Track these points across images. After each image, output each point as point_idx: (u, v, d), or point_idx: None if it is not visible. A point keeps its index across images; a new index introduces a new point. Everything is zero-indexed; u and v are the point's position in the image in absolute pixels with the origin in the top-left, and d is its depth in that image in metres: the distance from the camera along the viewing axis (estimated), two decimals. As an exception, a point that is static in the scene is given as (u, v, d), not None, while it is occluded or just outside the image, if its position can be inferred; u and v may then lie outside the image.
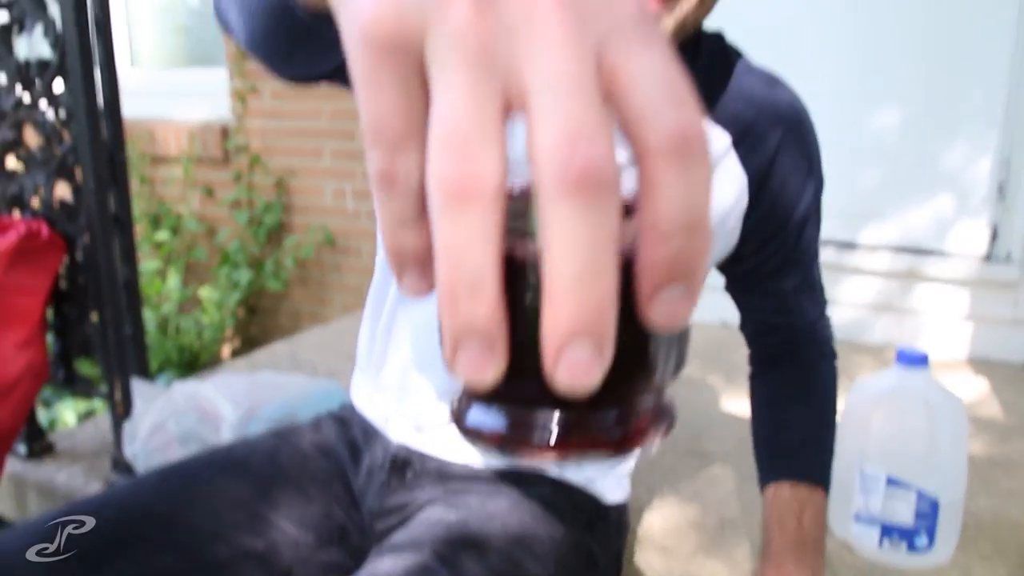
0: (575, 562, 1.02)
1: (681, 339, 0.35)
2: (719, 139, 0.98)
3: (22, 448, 1.80)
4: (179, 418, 1.61)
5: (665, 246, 0.26)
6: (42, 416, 2.11)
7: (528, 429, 0.33)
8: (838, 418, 1.43)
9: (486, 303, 0.27)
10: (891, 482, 1.34)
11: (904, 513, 1.34)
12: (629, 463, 1.19)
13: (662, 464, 1.66)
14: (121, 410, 1.70)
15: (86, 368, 1.78)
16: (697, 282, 0.27)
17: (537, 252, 0.28)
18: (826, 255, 2.58)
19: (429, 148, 0.27)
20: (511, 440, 0.34)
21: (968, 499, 1.46)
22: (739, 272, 1.10)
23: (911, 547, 1.34)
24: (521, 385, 0.31)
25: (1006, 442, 1.83)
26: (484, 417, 0.35)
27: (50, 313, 1.71)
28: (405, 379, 1.09)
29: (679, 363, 0.35)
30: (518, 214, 0.31)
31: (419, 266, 0.30)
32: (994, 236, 2.45)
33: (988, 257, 2.46)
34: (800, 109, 1.04)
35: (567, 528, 1.02)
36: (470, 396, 0.36)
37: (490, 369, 0.28)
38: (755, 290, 1.13)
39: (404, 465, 1.09)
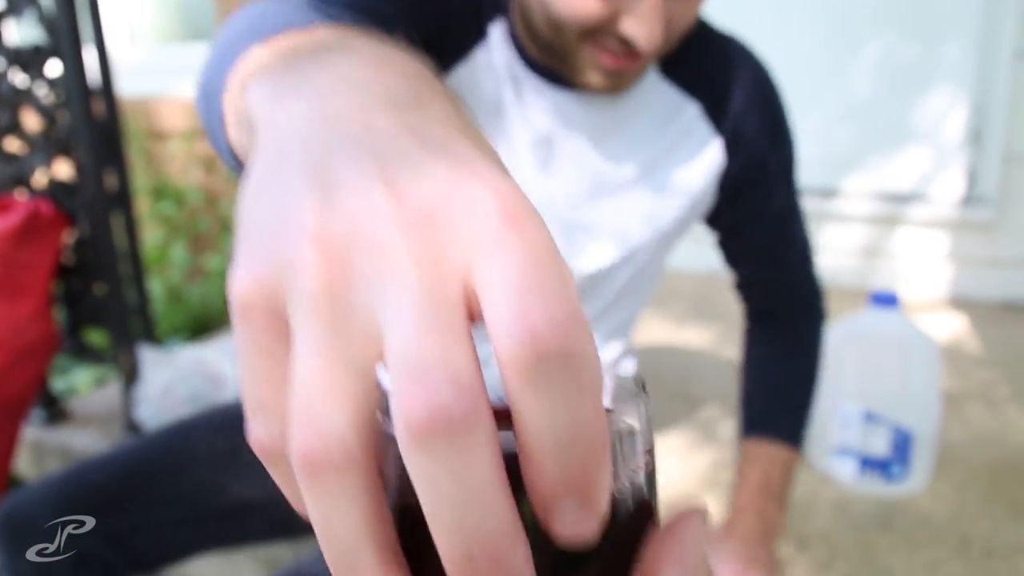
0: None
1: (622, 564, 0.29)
2: (689, 109, 1.01)
3: (40, 415, 1.88)
4: (186, 381, 1.68)
5: (538, 467, 0.23)
6: (59, 384, 2.19)
7: None
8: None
9: None
10: (867, 417, 1.40)
11: (880, 445, 1.40)
12: None
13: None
14: (129, 376, 1.77)
15: (96, 338, 1.85)
16: (594, 496, 0.24)
17: None
18: (807, 203, 2.62)
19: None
20: None
21: (944, 431, 1.52)
22: (720, 227, 1.12)
23: (888, 477, 1.40)
24: None
25: (982, 377, 1.88)
26: None
27: (59, 287, 1.77)
28: None
29: None
30: None
31: None
32: (971, 179, 2.49)
33: (965, 200, 2.50)
34: (763, 69, 1.06)
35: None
36: None
37: None
38: (736, 244, 1.14)
39: None
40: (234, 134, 0.47)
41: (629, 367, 1.24)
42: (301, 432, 0.24)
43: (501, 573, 0.23)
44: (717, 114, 1.01)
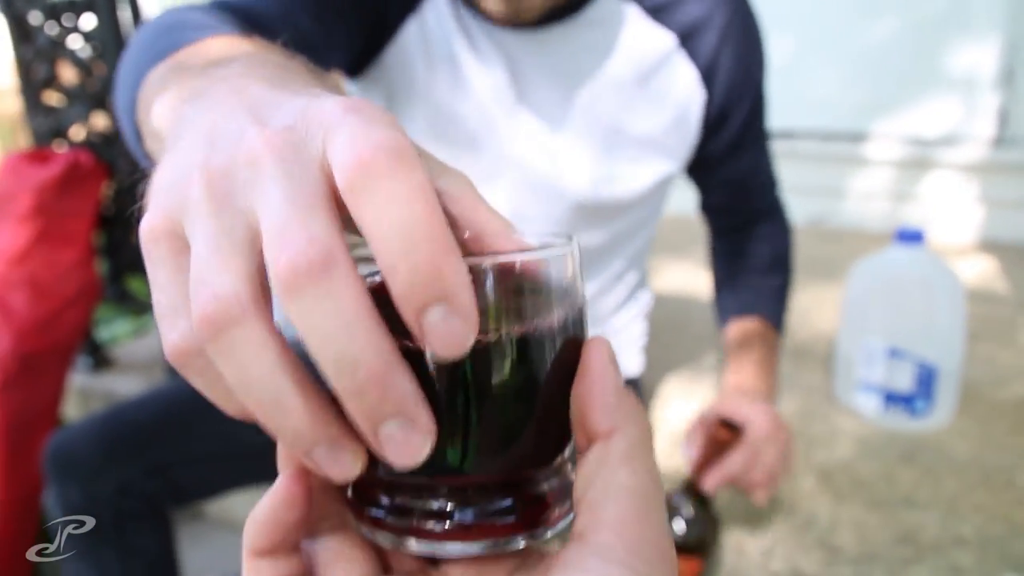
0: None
1: (560, 417, 0.33)
2: (664, 42, 1.03)
3: (86, 362, 1.94)
4: (225, 326, 1.73)
5: (391, 275, 0.26)
6: (101, 333, 2.25)
7: (422, 518, 0.32)
8: (841, 295, 1.51)
9: (298, 417, 0.27)
10: (892, 352, 1.42)
11: (905, 381, 1.42)
12: (643, 339, 1.27)
13: (661, 347, 1.75)
14: (171, 323, 1.83)
15: (137, 286, 1.90)
16: (454, 296, 0.26)
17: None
18: (838, 148, 2.64)
19: None
20: (408, 530, 0.32)
21: (969, 369, 1.53)
22: (698, 157, 1.14)
23: (912, 412, 1.42)
24: (402, 474, 0.31)
25: (1009, 318, 1.89)
26: (378, 508, 0.33)
27: (100, 237, 1.82)
28: None
29: (565, 441, 0.34)
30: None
31: None
32: (1003, 120, 2.46)
33: (997, 141, 2.47)
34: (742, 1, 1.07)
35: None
36: (361, 485, 0.34)
37: (345, 467, 0.28)
38: (709, 175, 1.16)
39: None
40: (149, 144, 0.55)
41: (646, 299, 1.27)
42: (197, 301, 0.27)
43: (388, 396, 0.26)
44: (693, 46, 1.03)
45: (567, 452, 0.34)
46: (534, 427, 0.32)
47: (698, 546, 1.02)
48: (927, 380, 1.40)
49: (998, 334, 1.79)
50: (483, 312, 0.30)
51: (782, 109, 2.96)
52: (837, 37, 2.62)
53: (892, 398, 1.43)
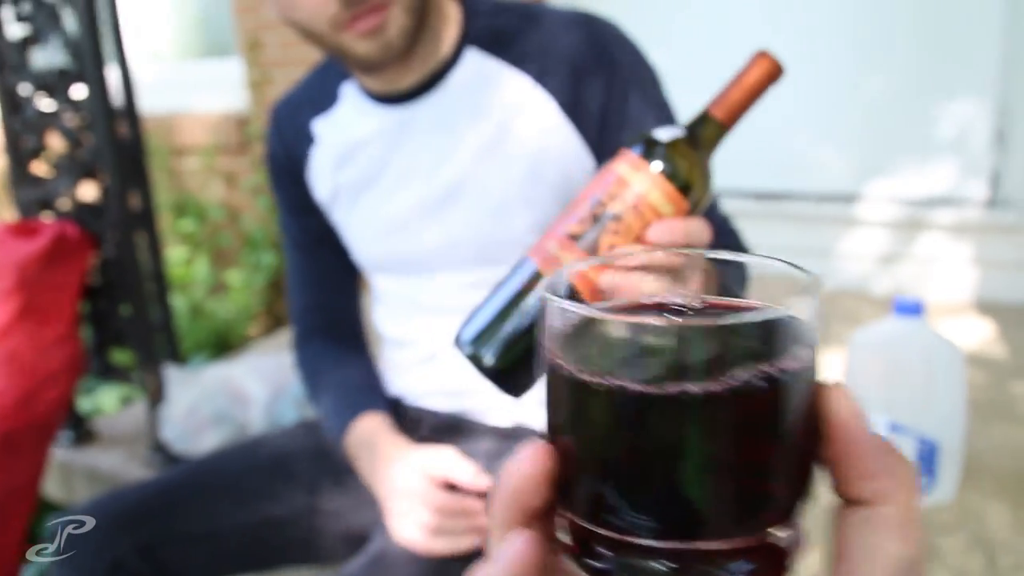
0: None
1: (799, 472, 0.31)
2: (520, 81, 1.04)
3: (67, 436, 1.90)
4: (211, 400, 1.69)
5: None
6: (84, 404, 2.21)
7: None
8: (837, 358, 1.48)
9: None
10: (892, 427, 1.39)
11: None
12: None
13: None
14: (155, 396, 1.79)
15: (121, 357, 1.87)
16: None
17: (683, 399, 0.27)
18: (832, 209, 2.63)
19: None
20: None
21: (971, 439, 1.51)
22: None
23: (914, 488, 1.39)
24: (630, 535, 0.30)
25: (1010, 383, 1.87)
26: (603, 561, 0.31)
27: (85, 307, 1.79)
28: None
29: (804, 495, 0.32)
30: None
31: None
32: (995, 182, 2.47)
33: (990, 203, 2.47)
34: (598, 30, 1.06)
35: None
36: (586, 538, 0.32)
37: None
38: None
39: (416, 424, 1.19)
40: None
41: None
42: None
43: None
44: (549, 81, 1.05)
45: (802, 506, 0.32)
46: (772, 484, 0.30)
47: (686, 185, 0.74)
48: (928, 456, 1.37)
49: (999, 402, 1.76)
50: (719, 362, 0.28)
51: (776, 171, 3.00)
52: (831, 99, 2.63)
53: (894, 474, 1.40)
